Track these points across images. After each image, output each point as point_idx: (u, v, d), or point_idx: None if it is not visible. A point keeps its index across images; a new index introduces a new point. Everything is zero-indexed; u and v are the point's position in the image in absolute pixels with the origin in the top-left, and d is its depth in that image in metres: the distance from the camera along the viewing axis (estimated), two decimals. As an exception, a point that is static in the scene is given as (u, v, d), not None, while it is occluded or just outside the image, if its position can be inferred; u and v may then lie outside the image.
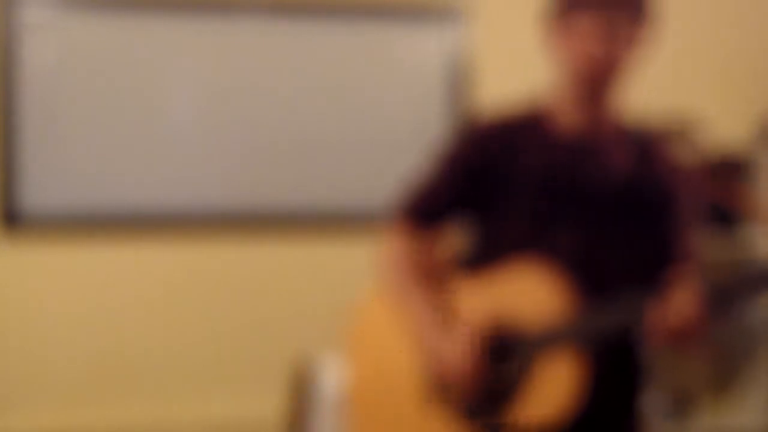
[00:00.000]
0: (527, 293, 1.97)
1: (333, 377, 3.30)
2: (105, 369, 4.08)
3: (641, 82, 4.52)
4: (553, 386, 1.94)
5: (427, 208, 2.11)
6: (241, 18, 4.14)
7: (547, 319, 1.96)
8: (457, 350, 2.00)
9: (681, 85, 4.46)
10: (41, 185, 3.99)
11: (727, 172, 4.32)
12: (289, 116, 4.19)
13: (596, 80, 2.00)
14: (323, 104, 4.21)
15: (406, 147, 4.14)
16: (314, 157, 4.21)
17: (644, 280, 1.99)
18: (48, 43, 3.99)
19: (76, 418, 4.04)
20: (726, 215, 4.31)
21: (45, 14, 3.99)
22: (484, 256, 2.06)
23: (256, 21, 4.15)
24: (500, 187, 2.03)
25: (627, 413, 2.08)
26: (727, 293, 1.91)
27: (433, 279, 2.11)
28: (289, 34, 4.18)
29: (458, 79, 4.26)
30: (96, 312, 4.08)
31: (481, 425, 2.00)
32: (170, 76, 4.12)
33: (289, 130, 4.20)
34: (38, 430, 4.00)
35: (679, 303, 1.88)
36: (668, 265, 2.03)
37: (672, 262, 2.04)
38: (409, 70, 4.27)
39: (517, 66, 4.22)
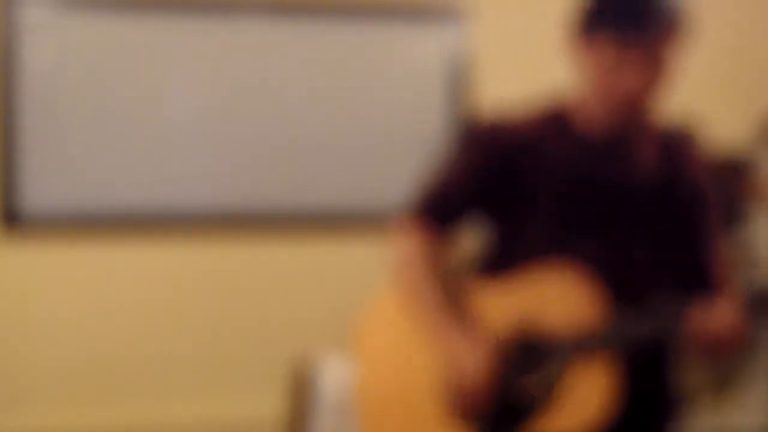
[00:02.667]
0: (555, 299, 1.87)
1: (333, 378, 3.30)
2: (105, 369, 4.08)
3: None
4: (586, 396, 1.85)
5: (442, 207, 1.99)
6: (241, 18, 4.14)
7: (578, 326, 1.86)
8: (475, 358, 1.89)
9: (681, 85, 4.45)
10: (41, 185, 3.99)
11: (727, 172, 4.33)
12: (289, 116, 4.19)
13: (624, 109, 1.92)
14: (323, 104, 4.21)
15: (406, 147, 4.14)
16: (314, 157, 4.21)
17: (677, 285, 1.93)
18: (48, 43, 3.99)
19: (76, 418, 4.04)
20: (726, 215, 4.31)
21: (45, 14, 3.99)
22: (505, 259, 1.97)
23: (256, 21, 4.15)
24: (521, 187, 1.93)
25: (659, 424, 2.00)
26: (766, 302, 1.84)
27: (450, 281, 2.01)
28: (289, 34, 4.18)
29: (458, 79, 4.26)
30: (96, 312, 4.08)
31: None
32: (170, 76, 4.12)
33: (289, 130, 4.20)
34: (38, 430, 4.00)
35: (721, 312, 1.84)
36: (701, 270, 1.97)
37: (705, 266, 1.98)
38: (409, 70, 4.27)
39: (517, 66, 4.22)
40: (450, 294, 1.97)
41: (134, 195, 4.07)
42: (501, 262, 1.97)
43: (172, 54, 4.10)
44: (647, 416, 1.96)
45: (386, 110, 4.25)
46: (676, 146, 2.03)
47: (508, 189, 1.95)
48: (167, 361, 4.13)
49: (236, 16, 4.13)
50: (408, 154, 4.10)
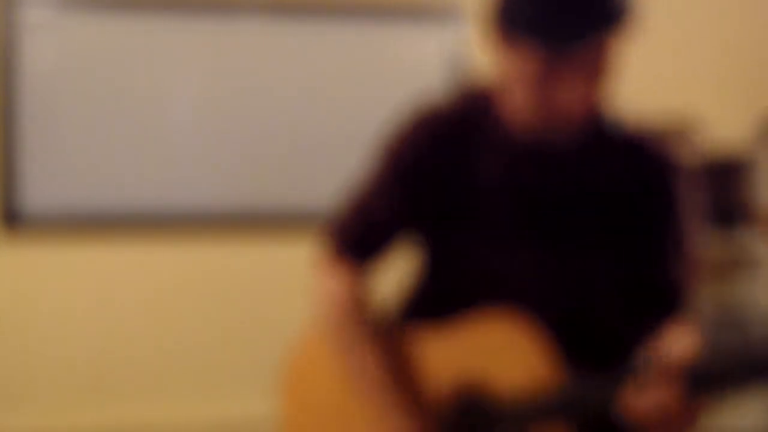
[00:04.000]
0: (500, 348, 1.53)
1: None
2: (105, 369, 4.08)
3: (642, 82, 4.53)
4: None
5: (362, 240, 1.65)
6: (241, 18, 4.14)
7: (527, 385, 1.53)
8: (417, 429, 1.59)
9: (681, 85, 4.46)
10: (41, 185, 3.99)
11: (727, 173, 4.32)
12: (289, 116, 4.19)
13: (559, 123, 1.50)
14: (323, 104, 4.21)
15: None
16: (314, 157, 4.21)
17: (633, 307, 1.61)
18: (48, 43, 3.99)
19: (76, 418, 4.04)
20: (726, 215, 4.31)
21: (45, 14, 3.99)
22: (440, 293, 1.63)
23: (256, 21, 4.15)
24: (448, 198, 1.57)
25: None
26: (719, 378, 1.50)
27: (381, 334, 1.66)
28: (289, 34, 4.18)
29: (458, 79, 4.26)
30: (96, 312, 4.08)
31: None
32: (170, 76, 4.12)
33: (289, 131, 4.20)
34: (38, 430, 4.00)
35: (657, 389, 1.45)
36: (659, 288, 1.61)
37: (665, 285, 1.62)
38: (409, 70, 4.27)
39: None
40: (383, 353, 1.63)
41: (134, 195, 4.07)
42: (437, 295, 1.64)
43: (172, 54, 4.10)
44: None
45: (386, 110, 4.24)
46: (636, 147, 1.64)
47: (431, 203, 1.59)
48: (167, 361, 4.13)
49: (236, 16, 4.13)
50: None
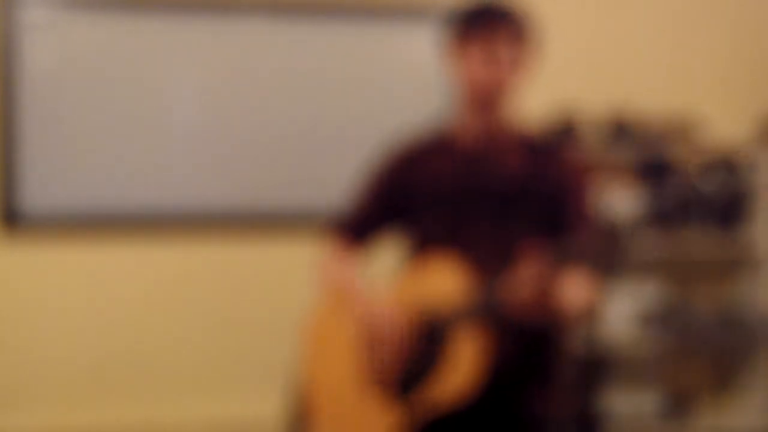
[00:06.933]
0: (438, 282, 2.27)
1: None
2: (105, 369, 4.09)
3: (642, 82, 4.54)
4: (461, 362, 2.19)
5: (358, 227, 2.47)
6: (241, 18, 4.14)
7: (453, 302, 2.23)
8: (387, 310, 2.29)
9: (681, 85, 4.46)
10: (41, 185, 3.99)
11: (725, 173, 4.33)
12: (289, 116, 4.19)
13: (484, 100, 2.29)
14: (323, 104, 4.22)
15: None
16: (314, 156, 4.21)
17: None
18: (48, 43, 3.99)
19: (76, 418, 4.04)
20: (726, 215, 4.31)
21: (45, 14, 3.99)
22: (414, 255, 2.38)
23: (256, 21, 4.15)
24: (417, 198, 2.38)
25: (537, 382, 2.31)
26: (566, 254, 2.09)
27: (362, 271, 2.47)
28: (289, 34, 4.18)
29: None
30: (96, 312, 4.08)
31: (407, 401, 2.24)
32: (170, 76, 4.12)
33: (289, 130, 4.20)
34: (38, 430, 4.00)
35: (522, 277, 2.10)
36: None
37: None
38: (409, 70, 4.27)
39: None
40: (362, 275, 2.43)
41: (134, 195, 4.07)
42: (413, 256, 2.39)
43: (173, 54, 4.10)
44: (518, 387, 2.28)
45: (386, 110, 4.25)
46: (541, 151, 2.34)
47: (408, 202, 2.40)
48: (167, 361, 4.13)
49: (236, 16, 4.13)
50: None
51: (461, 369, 2.19)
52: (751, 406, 4.38)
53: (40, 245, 4.02)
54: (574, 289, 2.16)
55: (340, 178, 4.31)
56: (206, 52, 4.13)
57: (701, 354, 4.47)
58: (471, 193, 2.33)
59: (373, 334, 2.29)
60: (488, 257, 2.27)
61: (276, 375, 3.82)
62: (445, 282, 2.27)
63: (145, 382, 4.12)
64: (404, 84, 4.27)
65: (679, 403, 4.37)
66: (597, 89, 4.34)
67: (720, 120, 4.42)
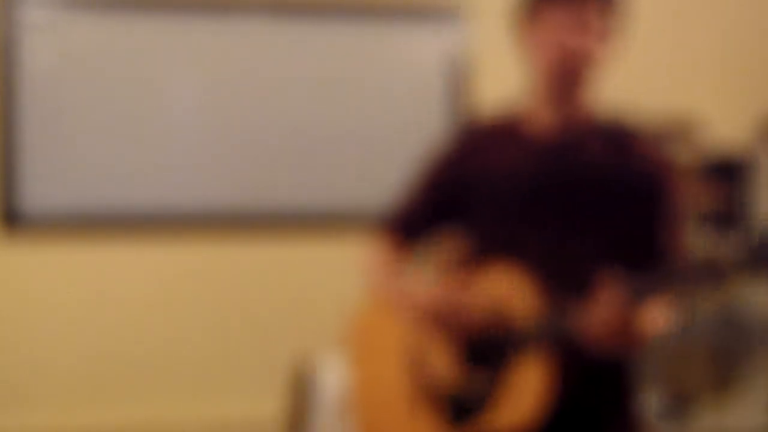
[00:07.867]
0: (499, 294, 1.98)
1: (333, 378, 3.30)
2: (105, 369, 4.09)
3: (641, 82, 4.53)
4: (524, 390, 1.92)
5: (410, 224, 2.19)
6: (241, 18, 4.14)
7: (517, 321, 1.95)
8: (431, 290, 2.06)
9: (681, 85, 4.46)
10: (41, 185, 3.99)
11: (725, 173, 4.33)
12: (289, 116, 4.19)
13: (568, 71, 2.00)
14: (323, 104, 4.22)
15: (406, 147, 4.14)
16: (314, 157, 4.21)
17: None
18: (48, 43, 3.99)
19: (76, 418, 4.04)
20: (726, 215, 4.31)
21: (45, 14, 3.99)
22: (475, 258, 2.08)
23: (256, 21, 4.15)
24: (476, 194, 2.07)
25: (611, 414, 2.04)
26: (653, 286, 1.82)
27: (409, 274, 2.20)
28: (289, 34, 4.18)
29: (458, 79, 4.26)
30: (96, 312, 4.08)
31: (461, 430, 1.99)
32: (170, 76, 4.12)
33: (289, 131, 4.20)
34: (38, 430, 4.00)
35: (601, 306, 1.83)
36: (650, 259, 1.96)
37: (655, 258, 1.97)
38: (409, 70, 4.27)
39: (517, 66, 4.22)
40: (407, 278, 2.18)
41: (134, 195, 4.07)
42: (474, 260, 2.09)
43: (172, 54, 4.10)
44: (598, 403, 2.00)
45: (386, 110, 4.25)
46: (625, 142, 2.05)
47: (470, 198, 2.09)
48: (167, 361, 4.13)
49: (236, 16, 4.13)
50: (408, 153, 4.09)
51: (524, 399, 1.92)
52: (751, 406, 4.37)
53: (40, 245, 4.02)
54: (654, 319, 1.90)
55: (340, 177, 4.33)
56: (206, 52, 4.13)
57: (701, 354, 4.47)
58: (542, 189, 2.00)
59: (440, 317, 2.02)
60: (558, 268, 1.96)
61: (276, 375, 3.82)
62: (507, 296, 1.96)
63: (145, 382, 4.12)
64: (404, 84, 4.27)
65: (679, 403, 4.37)
66: (596, 89, 4.33)
67: (720, 120, 4.42)
